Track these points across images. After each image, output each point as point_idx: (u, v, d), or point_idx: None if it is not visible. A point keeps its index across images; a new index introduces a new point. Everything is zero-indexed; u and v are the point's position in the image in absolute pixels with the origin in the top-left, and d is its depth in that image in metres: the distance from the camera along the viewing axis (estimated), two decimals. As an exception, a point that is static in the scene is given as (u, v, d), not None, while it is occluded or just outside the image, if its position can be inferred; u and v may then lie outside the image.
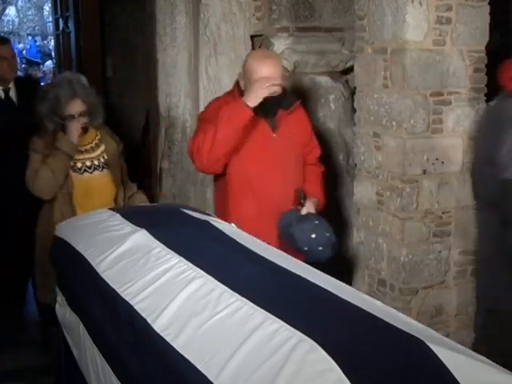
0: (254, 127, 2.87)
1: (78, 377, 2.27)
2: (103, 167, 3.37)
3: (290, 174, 2.96)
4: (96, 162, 3.36)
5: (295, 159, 3.01)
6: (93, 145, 3.39)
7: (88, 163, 3.35)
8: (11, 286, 4.51)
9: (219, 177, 2.99)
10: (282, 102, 2.92)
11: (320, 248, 2.78)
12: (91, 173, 3.34)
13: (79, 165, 3.32)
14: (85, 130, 3.29)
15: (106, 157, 3.38)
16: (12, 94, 4.20)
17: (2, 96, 4.17)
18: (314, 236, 2.78)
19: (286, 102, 2.96)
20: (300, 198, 2.91)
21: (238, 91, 2.92)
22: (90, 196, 3.30)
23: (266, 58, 2.93)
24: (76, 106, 3.26)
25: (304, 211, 2.88)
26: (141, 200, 3.43)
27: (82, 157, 3.33)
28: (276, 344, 1.44)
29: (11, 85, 4.20)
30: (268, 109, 2.87)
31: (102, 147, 3.40)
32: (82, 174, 3.32)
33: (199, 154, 2.80)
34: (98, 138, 3.41)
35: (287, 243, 2.81)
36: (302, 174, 3.05)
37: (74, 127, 3.25)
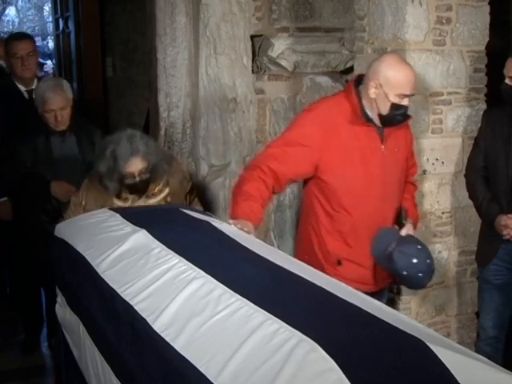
0: (365, 136, 2.68)
1: (78, 377, 2.28)
2: None
3: (391, 189, 2.77)
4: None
5: (399, 174, 2.82)
6: (155, 191, 3.11)
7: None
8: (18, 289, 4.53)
9: (308, 188, 2.81)
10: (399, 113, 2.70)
11: (420, 274, 2.63)
12: None
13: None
14: None
15: (169, 200, 3.13)
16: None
17: (26, 96, 4.01)
18: (415, 261, 2.61)
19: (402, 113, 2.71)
20: (401, 217, 2.76)
21: (356, 95, 2.68)
22: None
23: (405, 67, 2.67)
24: (136, 164, 2.97)
25: (404, 232, 2.72)
26: None
27: (142, 203, 3.07)
28: (276, 344, 1.44)
29: (35, 85, 3.98)
30: (388, 120, 2.68)
31: (166, 191, 3.13)
32: None
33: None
34: (162, 182, 3.14)
35: (382, 263, 2.70)
36: (402, 190, 2.86)
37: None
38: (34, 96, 3.87)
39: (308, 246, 2.82)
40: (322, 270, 2.55)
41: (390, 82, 2.59)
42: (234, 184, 2.75)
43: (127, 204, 3.03)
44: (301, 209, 3.03)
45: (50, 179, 3.53)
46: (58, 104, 3.48)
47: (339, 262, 2.73)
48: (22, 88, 3.96)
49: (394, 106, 2.62)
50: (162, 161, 3.09)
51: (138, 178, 2.97)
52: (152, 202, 3.07)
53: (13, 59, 3.94)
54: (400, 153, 2.79)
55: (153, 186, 3.07)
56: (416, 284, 2.72)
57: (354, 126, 2.66)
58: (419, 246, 2.67)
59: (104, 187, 3.01)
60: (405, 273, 2.62)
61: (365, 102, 2.66)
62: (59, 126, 3.53)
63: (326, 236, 2.74)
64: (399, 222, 2.77)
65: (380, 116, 2.66)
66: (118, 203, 3.01)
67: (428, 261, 2.65)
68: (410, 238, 2.70)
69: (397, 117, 2.66)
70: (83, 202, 3.05)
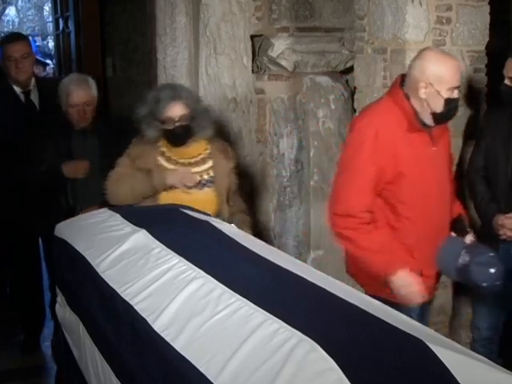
0: (419, 141, 2.60)
1: (78, 377, 2.28)
2: (205, 185, 3.03)
3: (446, 192, 2.68)
4: (198, 178, 3.02)
5: (449, 175, 2.75)
6: (198, 159, 3.04)
7: None
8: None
9: None
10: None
11: (498, 283, 2.54)
12: (189, 188, 3.00)
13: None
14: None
15: (211, 174, 3.04)
16: (34, 96, 3.87)
17: (22, 99, 3.86)
18: (493, 271, 2.52)
19: (455, 107, 2.62)
20: (463, 225, 2.68)
21: (407, 100, 2.58)
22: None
23: (449, 59, 2.59)
24: (177, 109, 2.93)
25: (468, 240, 2.66)
26: (241, 220, 3.06)
27: (170, 166, 3.01)
28: (276, 344, 1.45)
29: (32, 86, 3.87)
30: (444, 116, 2.60)
31: (210, 163, 3.05)
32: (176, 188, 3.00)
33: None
34: (207, 152, 3.07)
35: (454, 275, 2.63)
36: (453, 193, 2.76)
37: (188, 177, 2.95)
38: (31, 97, 3.84)
39: None
40: (384, 283, 2.54)
41: (439, 78, 2.52)
42: (348, 248, 2.66)
43: (171, 165, 2.98)
44: None
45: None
46: (82, 98, 3.42)
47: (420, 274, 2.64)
48: (18, 90, 3.84)
49: (448, 101, 2.55)
50: (205, 115, 3.05)
51: (176, 124, 2.91)
52: (195, 170, 3.00)
53: (7, 62, 3.81)
54: (446, 152, 2.75)
55: (194, 148, 3.02)
56: (491, 290, 2.64)
57: (408, 134, 2.60)
58: (491, 254, 2.59)
59: (144, 139, 2.98)
60: (485, 284, 2.55)
61: (414, 105, 2.58)
62: (82, 123, 3.45)
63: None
64: (457, 228, 2.70)
65: (434, 114, 2.58)
66: (162, 161, 2.98)
67: (500, 266, 2.58)
68: (479, 247, 2.64)
69: (451, 111, 2.60)
70: (132, 158, 3.01)
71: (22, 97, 3.85)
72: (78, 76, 3.59)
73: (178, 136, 2.96)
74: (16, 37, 4.12)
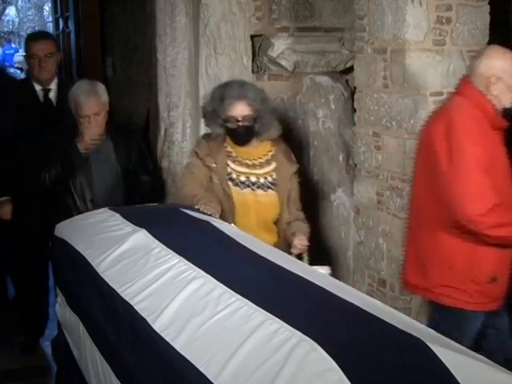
0: (498, 139, 2.63)
1: (78, 377, 2.28)
2: (268, 187, 2.98)
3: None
4: (261, 180, 2.97)
5: None
6: (263, 160, 3.00)
7: (253, 179, 2.98)
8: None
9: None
10: None
11: None
12: (254, 190, 2.96)
13: (242, 178, 2.96)
14: None
15: (274, 176, 2.99)
16: (52, 95, 3.82)
17: (41, 97, 3.81)
18: None
19: None
20: None
21: (486, 99, 2.61)
22: (247, 215, 2.94)
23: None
24: (240, 109, 2.88)
25: None
26: (299, 228, 2.96)
27: (247, 170, 2.97)
28: (276, 344, 1.45)
29: (52, 85, 3.81)
30: None
31: (273, 165, 3.00)
32: (242, 189, 2.96)
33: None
34: (271, 153, 3.02)
35: None
36: None
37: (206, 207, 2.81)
38: (49, 96, 3.78)
39: (444, 262, 2.69)
40: (462, 288, 2.57)
41: (508, 71, 2.60)
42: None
43: (237, 166, 2.96)
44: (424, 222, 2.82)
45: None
46: (92, 109, 3.27)
47: (494, 279, 2.65)
48: (37, 87, 3.78)
49: None
50: (270, 116, 2.99)
51: (240, 123, 2.87)
52: (258, 172, 2.97)
53: (31, 59, 3.77)
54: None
55: (259, 149, 2.99)
56: None
57: (490, 133, 2.62)
58: None
59: (210, 136, 2.98)
60: None
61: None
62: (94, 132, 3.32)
63: (483, 253, 2.61)
64: None
65: (504, 110, 2.62)
66: (229, 162, 2.95)
67: None
68: None
69: None
70: (202, 158, 2.95)
71: (40, 94, 3.80)
72: (87, 85, 3.37)
73: (240, 136, 2.93)
74: (41, 35, 4.06)
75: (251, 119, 2.89)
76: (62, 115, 3.62)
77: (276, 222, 3.02)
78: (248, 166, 2.97)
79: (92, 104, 3.27)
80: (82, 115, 3.26)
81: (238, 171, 2.96)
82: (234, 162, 2.97)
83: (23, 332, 4.13)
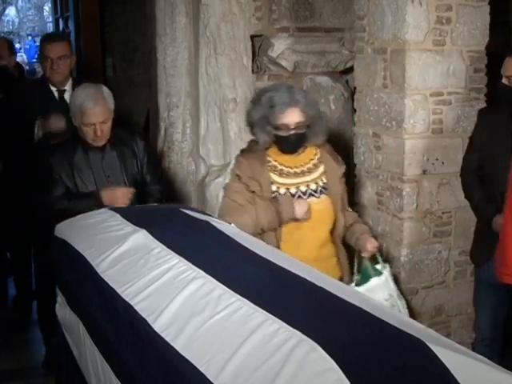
0: None
1: (78, 377, 2.27)
2: (321, 192, 2.81)
3: None
4: (313, 187, 2.79)
5: None
6: (310, 165, 2.82)
7: (303, 188, 2.79)
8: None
9: None
10: None
11: None
12: (306, 199, 2.78)
13: (293, 190, 2.77)
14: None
15: (324, 180, 2.83)
16: (67, 96, 3.71)
17: (56, 97, 3.78)
18: None
19: None
20: None
21: None
22: (302, 227, 2.76)
23: None
24: (293, 116, 2.69)
25: None
26: (362, 231, 2.88)
27: (296, 181, 2.78)
28: (276, 344, 1.44)
29: (67, 86, 3.77)
30: None
31: (321, 168, 2.83)
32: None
33: None
34: (317, 157, 2.85)
35: None
36: None
37: (303, 208, 2.70)
38: (64, 97, 3.73)
39: None
40: None
41: None
42: None
43: (283, 179, 2.77)
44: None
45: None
46: (98, 117, 3.06)
47: None
48: (53, 88, 3.77)
49: None
50: (320, 121, 2.84)
51: (292, 131, 2.68)
52: (307, 179, 2.79)
53: (44, 61, 3.76)
54: None
55: (304, 155, 2.81)
56: None
57: None
58: None
59: (254, 141, 2.76)
60: None
61: None
62: (98, 142, 3.14)
63: None
64: None
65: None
66: (273, 176, 2.76)
67: None
68: None
69: None
70: (244, 182, 2.74)
71: (56, 95, 3.78)
72: (92, 89, 3.14)
73: (292, 144, 2.75)
74: (54, 37, 4.06)
75: (304, 126, 2.73)
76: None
77: (333, 230, 2.85)
78: (296, 175, 2.78)
79: (98, 111, 3.05)
80: (86, 123, 3.05)
81: (285, 184, 2.77)
82: (279, 175, 2.77)
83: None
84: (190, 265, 1.91)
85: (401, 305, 2.85)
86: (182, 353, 1.56)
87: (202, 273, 1.84)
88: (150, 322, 1.73)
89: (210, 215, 2.64)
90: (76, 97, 3.12)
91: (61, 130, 3.52)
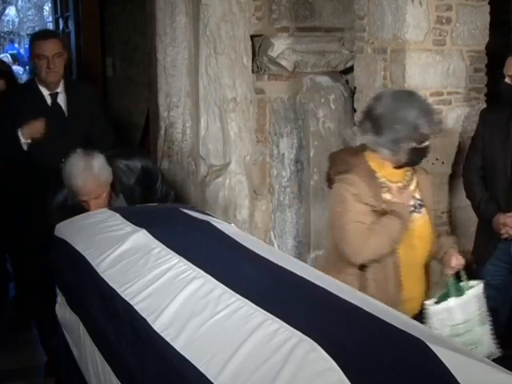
0: None
1: (78, 377, 2.28)
2: (420, 206, 2.55)
3: None
4: (412, 202, 2.53)
5: None
6: (408, 177, 2.55)
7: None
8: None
9: None
10: None
11: None
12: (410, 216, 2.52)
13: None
14: None
15: (417, 196, 2.56)
16: (61, 99, 3.53)
17: (49, 102, 3.52)
18: None
19: None
20: None
21: None
22: (413, 248, 2.51)
23: None
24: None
25: None
26: (449, 245, 2.65)
27: (398, 197, 2.51)
28: (276, 344, 1.44)
29: (60, 89, 3.52)
30: None
31: (415, 180, 2.56)
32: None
33: None
34: (408, 170, 2.56)
35: None
36: None
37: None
38: (58, 100, 3.52)
39: None
40: None
41: None
42: None
43: (392, 196, 2.49)
44: None
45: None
46: (91, 194, 2.84)
47: None
48: (44, 92, 3.51)
49: None
50: None
51: (427, 142, 2.42)
52: (410, 191, 2.53)
53: (37, 61, 3.46)
54: None
55: (401, 173, 2.54)
56: None
57: None
58: None
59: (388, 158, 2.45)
60: None
61: None
62: (99, 207, 2.84)
63: None
64: None
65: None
66: (387, 197, 2.47)
67: None
68: None
69: None
70: (368, 203, 2.44)
71: (48, 99, 3.52)
72: (81, 166, 2.85)
73: (424, 155, 2.50)
74: (48, 34, 3.77)
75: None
76: (73, 122, 3.46)
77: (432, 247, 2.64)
78: (399, 190, 2.52)
79: (90, 187, 2.83)
80: (81, 199, 2.87)
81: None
82: (388, 191, 2.50)
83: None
84: (190, 265, 1.91)
85: (481, 331, 2.58)
86: (181, 353, 1.56)
87: (202, 273, 1.85)
88: (149, 322, 1.73)
89: (210, 215, 2.65)
90: (66, 173, 2.87)
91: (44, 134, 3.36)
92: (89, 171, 2.81)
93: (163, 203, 3.13)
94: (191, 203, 3.96)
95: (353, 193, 2.42)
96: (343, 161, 2.54)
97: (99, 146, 3.51)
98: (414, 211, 2.53)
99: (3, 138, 3.44)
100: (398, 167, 2.49)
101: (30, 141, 3.38)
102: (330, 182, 2.58)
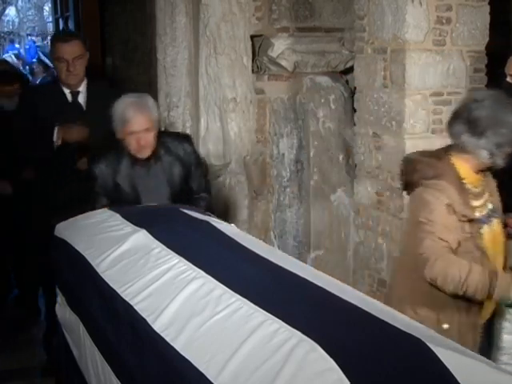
0: None
1: (78, 377, 2.27)
2: (491, 216, 2.43)
3: None
4: (490, 205, 2.43)
5: None
6: (482, 185, 2.44)
7: (484, 210, 2.42)
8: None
9: None
10: None
11: None
12: (490, 222, 2.41)
13: (477, 214, 2.37)
14: None
15: (490, 207, 2.44)
16: (81, 98, 3.53)
17: (70, 99, 3.52)
18: None
19: None
20: None
21: None
22: (497, 255, 2.42)
23: None
24: None
25: None
26: None
27: (480, 202, 2.40)
28: (276, 344, 1.44)
29: (82, 88, 3.52)
30: None
31: (484, 183, 2.47)
32: (482, 227, 2.38)
33: None
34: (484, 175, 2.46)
35: None
36: None
37: None
38: (78, 99, 3.51)
39: None
40: None
41: None
42: None
43: (476, 201, 2.39)
44: None
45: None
46: (141, 125, 2.86)
47: None
48: (66, 90, 3.50)
49: None
50: None
51: None
52: (485, 199, 2.43)
53: (57, 63, 3.46)
54: None
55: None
56: None
57: None
58: None
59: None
60: None
61: None
62: (143, 153, 2.93)
63: None
64: None
65: None
66: (475, 202, 2.37)
67: None
68: None
69: None
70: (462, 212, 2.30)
71: (69, 97, 3.52)
72: (134, 98, 2.94)
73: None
74: (69, 36, 3.63)
75: None
76: (91, 121, 3.40)
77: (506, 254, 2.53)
78: (478, 195, 2.40)
79: (141, 120, 2.86)
80: (129, 132, 2.86)
81: (477, 207, 2.39)
82: (474, 197, 2.39)
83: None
84: (190, 265, 1.91)
85: None
86: (181, 353, 1.56)
87: (202, 273, 1.85)
88: (149, 322, 1.73)
89: (210, 215, 2.64)
90: (117, 106, 2.92)
91: (83, 141, 3.37)
92: (142, 103, 2.89)
93: (196, 200, 3.09)
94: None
95: (445, 202, 2.28)
96: (430, 165, 2.38)
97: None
98: (492, 216, 2.42)
99: (33, 138, 3.43)
100: (478, 171, 2.40)
101: (59, 142, 3.37)
102: (408, 186, 2.48)
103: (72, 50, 3.42)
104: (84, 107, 3.53)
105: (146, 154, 2.92)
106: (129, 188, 2.97)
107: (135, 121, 2.84)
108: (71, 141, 3.35)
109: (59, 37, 3.71)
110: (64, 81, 3.48)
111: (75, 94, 3.52)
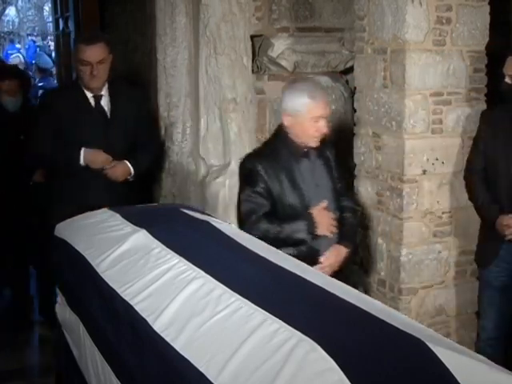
0: None
1: (78, 377, 2.28)
2: None
3: None
4: None
5: None
6: None
7: None
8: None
9: None
10: None
11: None
12: None
13: None
14: None
15: None
16: (104, 102, 3.47)
17: (93, 104, 3.46)
18: None
19: None
20: None
21: None
22: None
23: None
24: None
25: None
26: None
27: None
28: (276, 344, 1.44)
29: (104, 91, 3.46)
30: None
31: None
32: None
33: None
34: None
35: None
36: None
37: None
38: (101, 103, 3.47)
39: None
40: None
41: None
42: None
43: None
44: None
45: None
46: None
47: None
48: (88, 94, 3.45)
49: None
50: None
51: None
52: None
53: (80, 66, 3.38)
54: None
55: None
56: None
57: None
58: None
59: None
60: None
61: None
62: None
63: None
64: None
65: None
66: None
67: None
68: None
69: None
70: None
71: (92, 101, 3.47)
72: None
73: None
74: (93, 39, 3.46)
75: None
76: (115, 125, 3.44)
77: None
78: None
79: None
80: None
81: None
82: None
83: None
84: (190, 265, 1.91)
85: None
86: (181, 353, 1.56)
87: (202, 273, 1.85)
88: (149, 322, 1.73)
89: (210, 215, 2.65)
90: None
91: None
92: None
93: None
94: (191, 203, 3.96)
95: None
96: None
97: (144, 149, 3.56)
98: None
99: (56, 157, 3.43)
100: None
101: (85, 164, 3.37)
102: None
103: (96, 53, 3.35)
104: (108, 114, 3.48)
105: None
106: (295, 184, 2.85)
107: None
108: (95, 166, 3.35)
109: (83, 38, 3.59)
110: (87, 84, 3.41)
111: (98, 97, 3.45)
